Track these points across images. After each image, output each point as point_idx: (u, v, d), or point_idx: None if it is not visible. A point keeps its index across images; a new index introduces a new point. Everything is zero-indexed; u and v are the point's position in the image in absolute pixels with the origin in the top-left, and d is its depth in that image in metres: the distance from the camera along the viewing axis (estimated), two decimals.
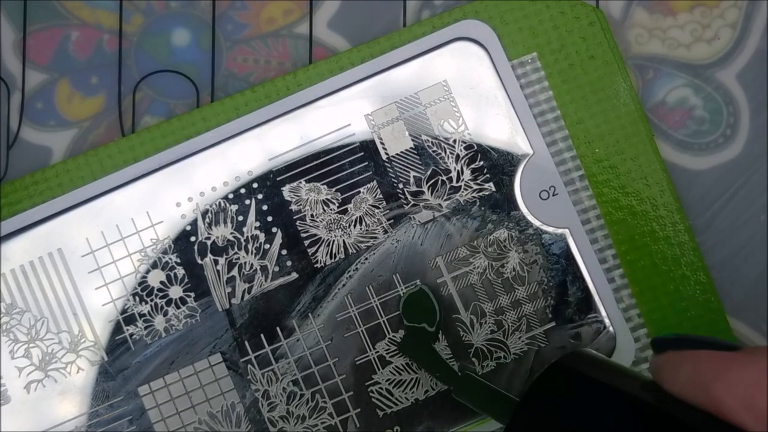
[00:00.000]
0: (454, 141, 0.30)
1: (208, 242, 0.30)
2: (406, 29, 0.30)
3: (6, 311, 0.29)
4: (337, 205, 0.30)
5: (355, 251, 0.30)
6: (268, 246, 0.30)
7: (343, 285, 0.30)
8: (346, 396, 0.30)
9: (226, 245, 0.30)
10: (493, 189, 0.30)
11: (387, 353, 0.30)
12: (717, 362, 0.21)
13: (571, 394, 0.23)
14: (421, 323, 0.29)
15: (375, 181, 0.30)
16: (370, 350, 0.29)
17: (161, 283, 0.30)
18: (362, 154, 0.30)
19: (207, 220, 0.30)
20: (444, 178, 0.30)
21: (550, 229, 0.30)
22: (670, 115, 0.31)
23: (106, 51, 0.31)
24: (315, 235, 0.30)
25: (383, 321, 0.29)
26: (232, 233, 0.30)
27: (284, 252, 0.30)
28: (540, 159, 0.30)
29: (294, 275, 0.30)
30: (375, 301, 0.30)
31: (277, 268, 0.30)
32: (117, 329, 0.30)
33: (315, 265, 0.30)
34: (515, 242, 0.30)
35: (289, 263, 0.30)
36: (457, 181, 0.30)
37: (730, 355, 0.21)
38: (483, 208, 0.30)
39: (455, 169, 0.30)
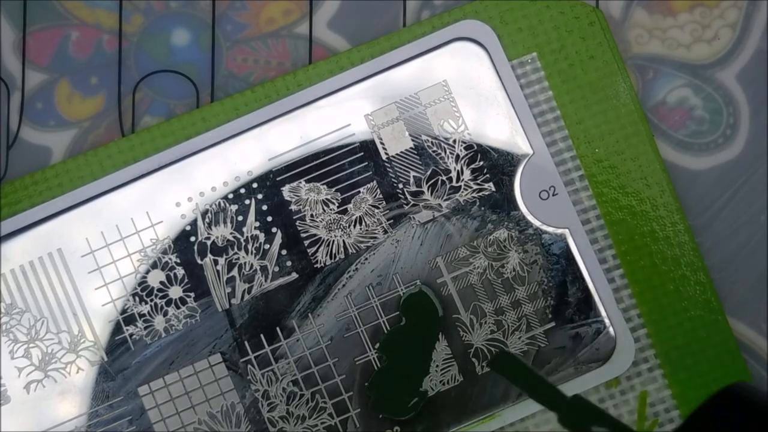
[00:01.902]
0: (454, 141, 0.30)
1: (208, 242, 0.30)
2: (406, 29, 0.30)
3: (6, 311, 0.29)
4: (336, 205, 0.30)
5: (355, 251, 0.30)
6: (268, 246, 0.30)
7: (343, 285, 0.30)
8: (345, 396, 0.30)
9: (226, 245, 0.30)
10: (493, 189, 0.30)
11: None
12: None
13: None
14: (422, 324, 0.29)
15: (375, 181, 0.30)
16: (370, 350, 0.29)
17: (161, 283, 0.30)
18: (362, 154, 0.30)
19: (207, 220, 0.30)
20: (444, 178, 0.30)
21: (550, 229, 0.30)
22: (670, 115, 0.31)
23: (106, 51, 0.31)
24: (315, 235, 0.30)
25: (383, 321, 0.29)
26: (231, 233, 0.30)
27: (284, 252, 0.30)
28: (540, 159, 0.30)
29: (294, 275, 0.30)
30: (375, 301, 0.30)
31: (277, 268, 0.30)
32: (117, 329, 0.30)
33: (315, 265, 0.30)
34: (515, 242, 0.30)
35: (288, 263, 0.30)
36: (457, 181, 0.30)
37: None
38: (483, 208, 0.30)
39: (455, 169, 0.30)
